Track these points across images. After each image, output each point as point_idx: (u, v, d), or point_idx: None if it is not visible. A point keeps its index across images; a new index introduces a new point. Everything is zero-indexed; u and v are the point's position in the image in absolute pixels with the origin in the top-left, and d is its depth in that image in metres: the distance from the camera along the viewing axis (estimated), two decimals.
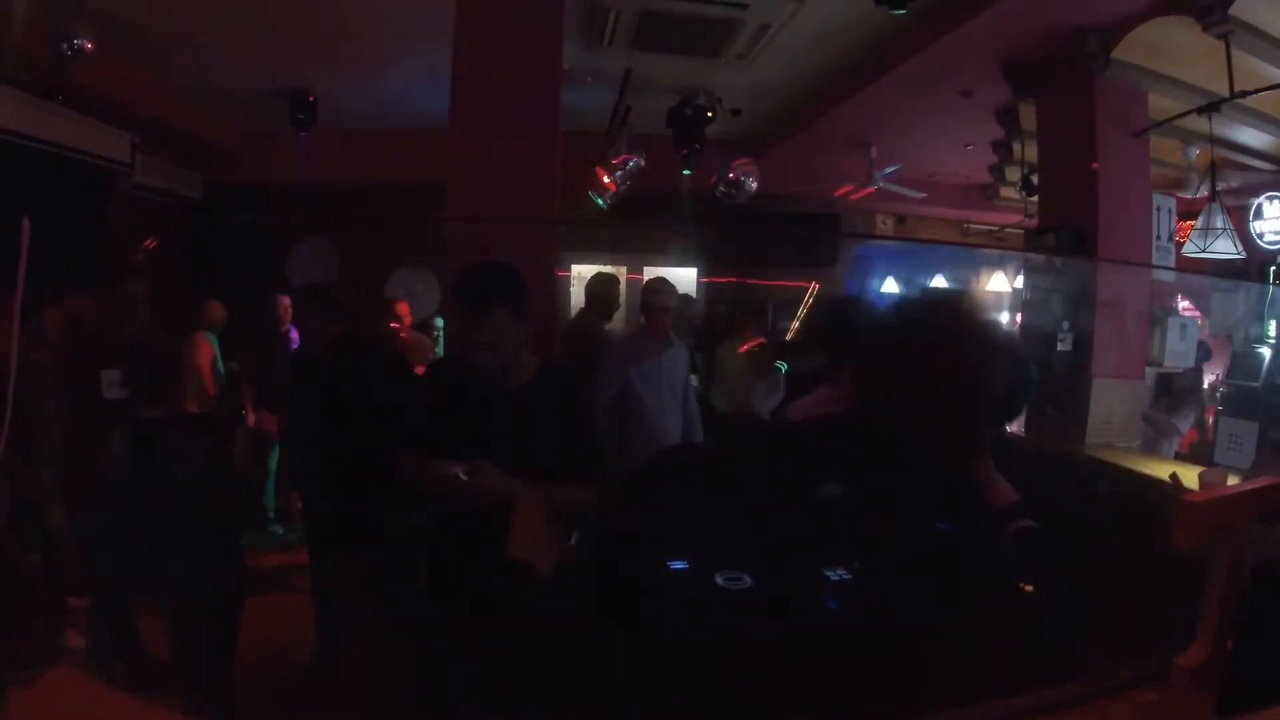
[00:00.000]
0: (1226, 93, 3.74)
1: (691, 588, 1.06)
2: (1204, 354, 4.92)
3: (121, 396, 2.28)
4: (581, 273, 7.18)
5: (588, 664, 1.07)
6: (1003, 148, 6.04)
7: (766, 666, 1.02)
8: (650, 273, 8.56)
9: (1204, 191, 4.94)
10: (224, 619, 2.18)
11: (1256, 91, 3.78)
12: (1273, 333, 5.34)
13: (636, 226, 7.71)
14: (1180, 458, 4.35)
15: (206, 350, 4.76)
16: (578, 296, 6.60)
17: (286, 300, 4.59)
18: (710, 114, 5.33)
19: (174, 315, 5.24)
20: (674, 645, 1.01)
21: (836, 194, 7.02)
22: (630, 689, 1.02)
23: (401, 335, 4.36)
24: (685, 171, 5.73)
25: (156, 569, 2.02)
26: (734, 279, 8.24)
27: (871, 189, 6.57)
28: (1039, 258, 5.02)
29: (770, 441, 1.64)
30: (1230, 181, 5.48)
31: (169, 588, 2.03)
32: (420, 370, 2.74)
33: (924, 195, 7.18)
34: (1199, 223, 4.56)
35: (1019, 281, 7.79)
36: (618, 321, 4.94)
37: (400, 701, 2.11)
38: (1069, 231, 4.36)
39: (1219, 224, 4.47)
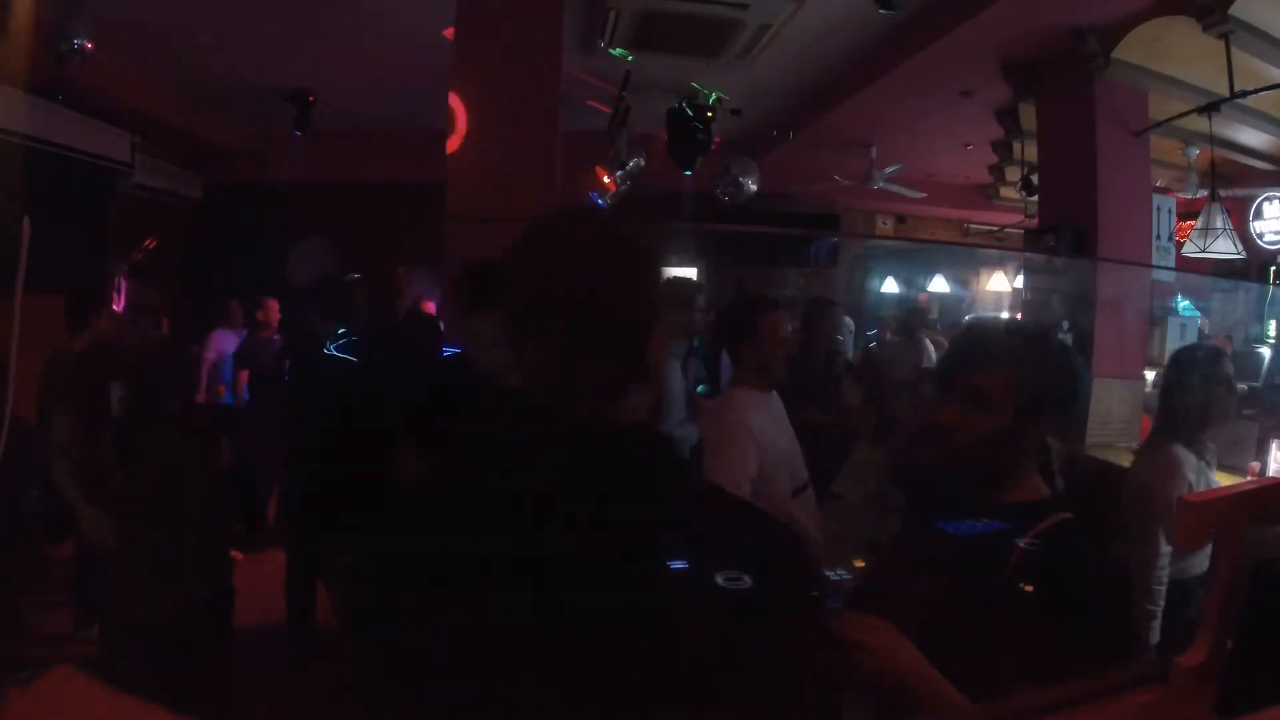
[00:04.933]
0: (1226, 93, 3.74)
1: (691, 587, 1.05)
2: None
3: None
4: None
5: (588, 663, 1.06)
6: (1003, 148, 6.04)
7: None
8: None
9: (1204, 191, 4.94)
10: (215, 620, 2.18)
11: (1256, 91, 3.78)
12: (1273, 333, 5.34)
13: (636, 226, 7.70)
14: None
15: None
16: None
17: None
18: (710, 114, 5.32)
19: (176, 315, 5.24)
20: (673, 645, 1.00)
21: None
22: (634, 688, 1.02)
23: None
24: (686, 172, 5.67)
25: (145, 570, 2.02)
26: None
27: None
28: (1039, 258, 5.02)
29: None
30: (1230, 181, 5.49)
31: (158, 589, 2.02)
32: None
33: (924, 195, 7.19)
34: (1199, 223, 4.57)
35: (1019, 281, 7.81)
36: None
37: (399, 703, 2.10)
38: (1069, 231, 4.36)
39: (1219, 224, 4.47)
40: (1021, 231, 6.93)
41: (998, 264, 9.29)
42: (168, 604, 2.00)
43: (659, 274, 1.00)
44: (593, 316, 0.89)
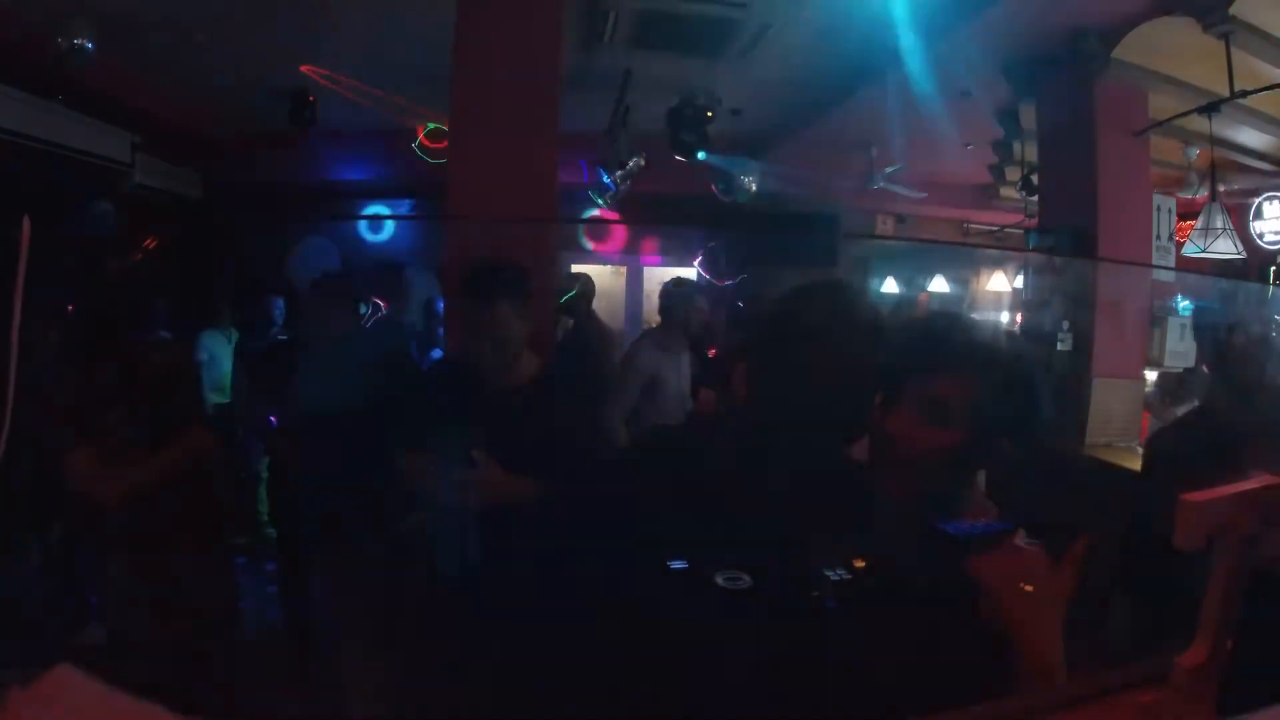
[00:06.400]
0: (1226, 93, 3.74)
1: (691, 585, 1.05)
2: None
3: None
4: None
5: (590, 662, 1.07)
6: (1003, 148, 6.04)
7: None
8: (650, 273, 8.57)
9: (1204, 191, 4.94)
10: (220, 622, 2.18)
11: (1256, 91, 3.78)
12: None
13: (636, 226, 7.71)
14: None
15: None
16: None
17: None
18: (710, 114, 5.32)
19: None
20: (673, 642, 1.01)
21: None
22: (634, 688, 1.02)
23: None
24: (702, 155, 5.59)
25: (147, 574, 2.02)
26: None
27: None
28: (1039, 258, 5.02)
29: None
30: (1230, 181, 5.48)
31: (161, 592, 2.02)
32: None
33: (924, 195, 7.18)
34: (1199, 223, 4.56)
35: (1019, 281, 7.81)
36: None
37: (398, 702, 2.11)
38: (1069, 231, 4.36)
39: (1219, 224, 4.47)
40: (1021, 231, 6.93)
41: (998, 264, 9.27)
42: (174, 613, 2.00)
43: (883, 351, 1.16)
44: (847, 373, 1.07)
